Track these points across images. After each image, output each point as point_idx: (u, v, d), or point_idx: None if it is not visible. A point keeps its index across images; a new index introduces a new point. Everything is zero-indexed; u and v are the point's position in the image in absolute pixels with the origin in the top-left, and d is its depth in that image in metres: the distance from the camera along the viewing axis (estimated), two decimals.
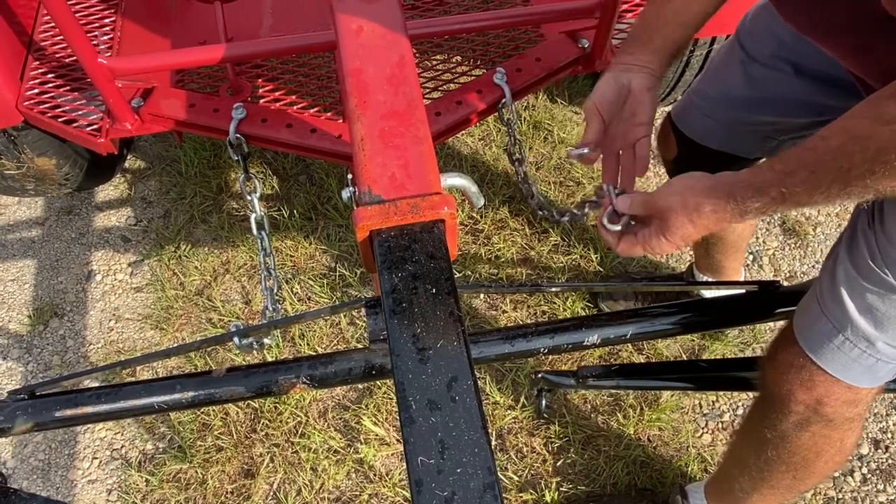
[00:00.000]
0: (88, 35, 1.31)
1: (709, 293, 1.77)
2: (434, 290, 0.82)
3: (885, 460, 1.71)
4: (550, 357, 1.85)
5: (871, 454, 1.72)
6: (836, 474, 1.68)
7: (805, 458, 1.12)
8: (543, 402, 1.55)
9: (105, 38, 1.67)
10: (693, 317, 1.14)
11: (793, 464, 1.14)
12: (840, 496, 1.66)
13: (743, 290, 1.26)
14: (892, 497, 1.66)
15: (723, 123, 1.30)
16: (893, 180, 0.70)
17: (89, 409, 1.00)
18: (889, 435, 1.75)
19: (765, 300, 1.19)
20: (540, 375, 1.45)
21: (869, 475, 1.69)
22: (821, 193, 0.76)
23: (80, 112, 1.52)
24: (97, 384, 1.14)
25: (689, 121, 1.37)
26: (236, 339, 1.07)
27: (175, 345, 1.95)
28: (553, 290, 1.08)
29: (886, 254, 0.88)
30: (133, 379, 1.86)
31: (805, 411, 1.04)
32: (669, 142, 1.44)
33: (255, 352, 1.14)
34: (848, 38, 0.86)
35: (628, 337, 1.09)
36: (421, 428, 0.71)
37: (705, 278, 1.83)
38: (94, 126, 1.50)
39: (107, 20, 1.71)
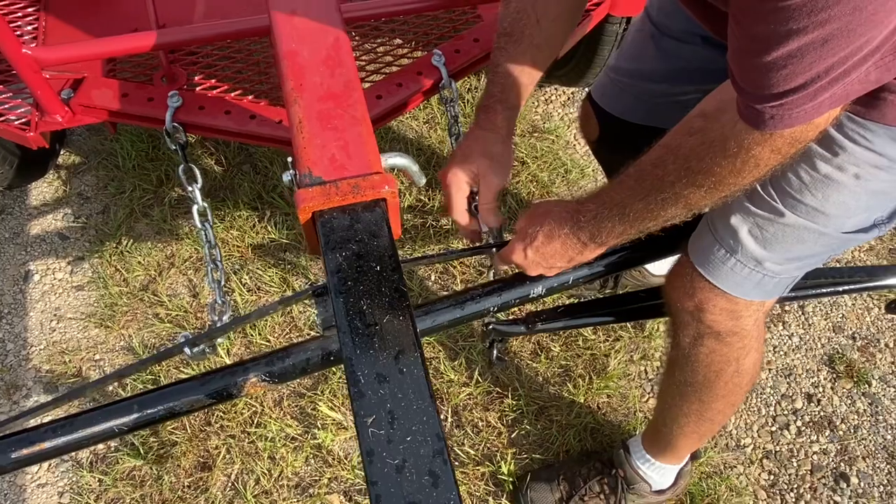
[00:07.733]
0: (10, 24, 1.26)
1: None
2: (378, 268, 0.83)
3: (817, 413, 1.82)
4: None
5: (804, 408, 1.83)
6: (773, 428, 1.78)
7: (706, 378, 1.21)
8: (495, 352, 1.56)
9: (29, 27, 1.61)
10: (629, 253, 1.17)
11: (697, 385, 1.23)
12: (777, 448, 1.76)
13: None
14: (825, 447, 1.76)
15: (642, 97, 1.34)
16: (697, 189, 0.84)
17: (47, 445, 0.95)
18: (820, 389, 1.86)
19: None
20: (490, 326, 1.46)
21: (803, 427, 1.80)
22: (641, 200, 0.90)
23: (6, 105, 1.46)
24: (49, 411, 1.09)
25: (609, 97, 1.40)
26: (187, 350, 1.05)
27: (122, 344, 1.91)
28: (495, 249, 1.11)
29: (776, 181, 0.96)
30: (83, 393, 1.82)
31: (692, 321, 1.13)
32: (591, 122, 1.46)
33: (207, 357, 1.12)
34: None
35: (570, 283, 1.12)
36: (370, 400, 0.73)
37: None
38: (23, 119, 1.44)
39: (30, 9, 1.65)
